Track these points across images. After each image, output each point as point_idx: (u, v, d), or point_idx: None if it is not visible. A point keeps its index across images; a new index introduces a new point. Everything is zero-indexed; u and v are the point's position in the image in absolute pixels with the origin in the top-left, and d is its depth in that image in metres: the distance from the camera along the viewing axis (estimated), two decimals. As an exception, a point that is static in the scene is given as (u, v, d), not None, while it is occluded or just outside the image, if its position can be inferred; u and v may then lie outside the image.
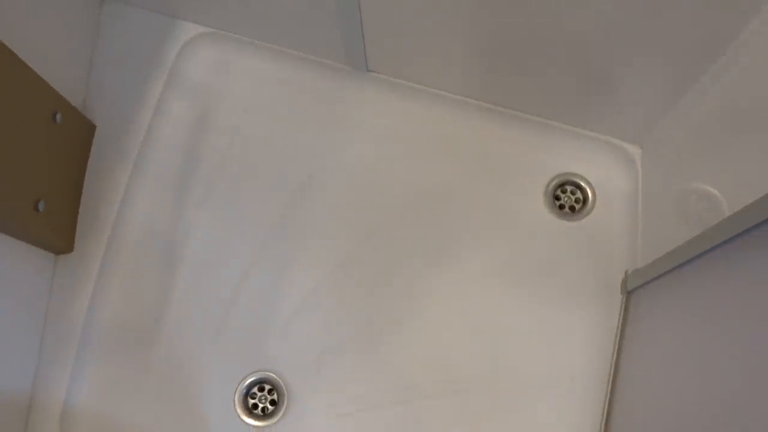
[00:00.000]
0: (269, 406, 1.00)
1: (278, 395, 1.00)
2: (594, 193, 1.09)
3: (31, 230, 0.90)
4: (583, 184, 1.10)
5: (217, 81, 1.09)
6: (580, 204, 1.10)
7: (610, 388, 0.95)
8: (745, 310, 0.64)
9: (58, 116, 0.93)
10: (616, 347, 0.97)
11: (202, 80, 1.08)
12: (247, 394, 1.00)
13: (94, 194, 1.01)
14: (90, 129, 1.02)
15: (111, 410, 0.96)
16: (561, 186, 1.10)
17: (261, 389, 1.00)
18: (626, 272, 1.01)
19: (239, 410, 0.98)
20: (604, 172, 1.10)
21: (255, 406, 1.00)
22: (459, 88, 1.10)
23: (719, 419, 0.65)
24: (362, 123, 1.10)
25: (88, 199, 1.01)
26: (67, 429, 0.92)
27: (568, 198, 1.10)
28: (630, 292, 0.99)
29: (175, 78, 1.07)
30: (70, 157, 0.98)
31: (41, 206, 0.90)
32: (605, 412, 0.94)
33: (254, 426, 0.98)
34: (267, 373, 1.00)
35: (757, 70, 0.77)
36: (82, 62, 1.02)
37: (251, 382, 1.00)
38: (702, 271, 0.77)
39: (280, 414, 0.98)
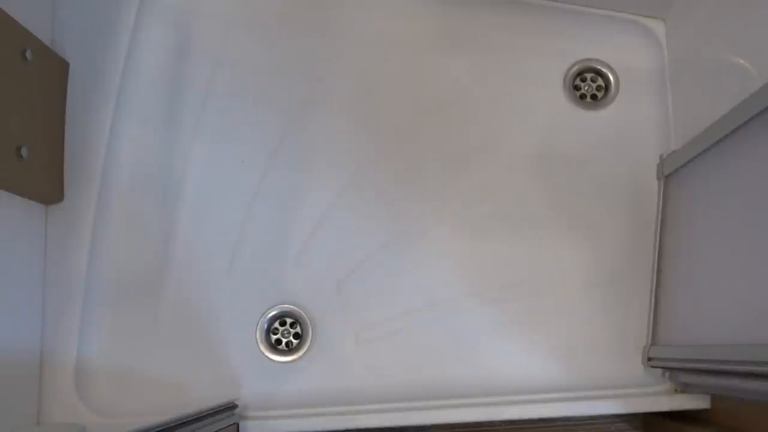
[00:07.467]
0: (293, 340, 0.94)
1: (302, 327, 0.94)
2: (617, 78, 1.01)
3: (17, 179, 0.82)
4: (603, 69, 1.01)
5: None
6: (603, 91, 1.01)
7: (656, 275, 0.88)
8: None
9: (29, 53, 0.85)
10: (658, 234, 0.90)
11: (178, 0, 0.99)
12: (269, 330, 0.94)
13: (78, 136, 0.93)
14: (63, 66, 0.93)
15: (127, 361, 0.90)
16: (580, 74, 1.01)
17: (283, 323, 0.94)
18: (661, 156, 0.94)
19: (263, 348, 0.93)
20: (626, 54, 1.01)
21: (278, 341, 0.94)
22: (458, -23, 1.00)
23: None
24: (357, 27, 1.00)
25: (72, 143, 0.93)
26: (83, 383, 0.87)
27: (588, 86, 1.02)
28: (668, 176, 0.91)
29: (147, 1, 0.97)
30: (46, 97, 0.90)
31: (24, 153, 0.83)
32: (653, 301, 0.88)
33: (281, 362, 0.92)
34: (287, 305, 0.94)
35: None
36: (44, -7, 0.93)
37: (272, 317, 0.94)
38: (742, 145, 0.73)
39: (306, 347, 0.93)
